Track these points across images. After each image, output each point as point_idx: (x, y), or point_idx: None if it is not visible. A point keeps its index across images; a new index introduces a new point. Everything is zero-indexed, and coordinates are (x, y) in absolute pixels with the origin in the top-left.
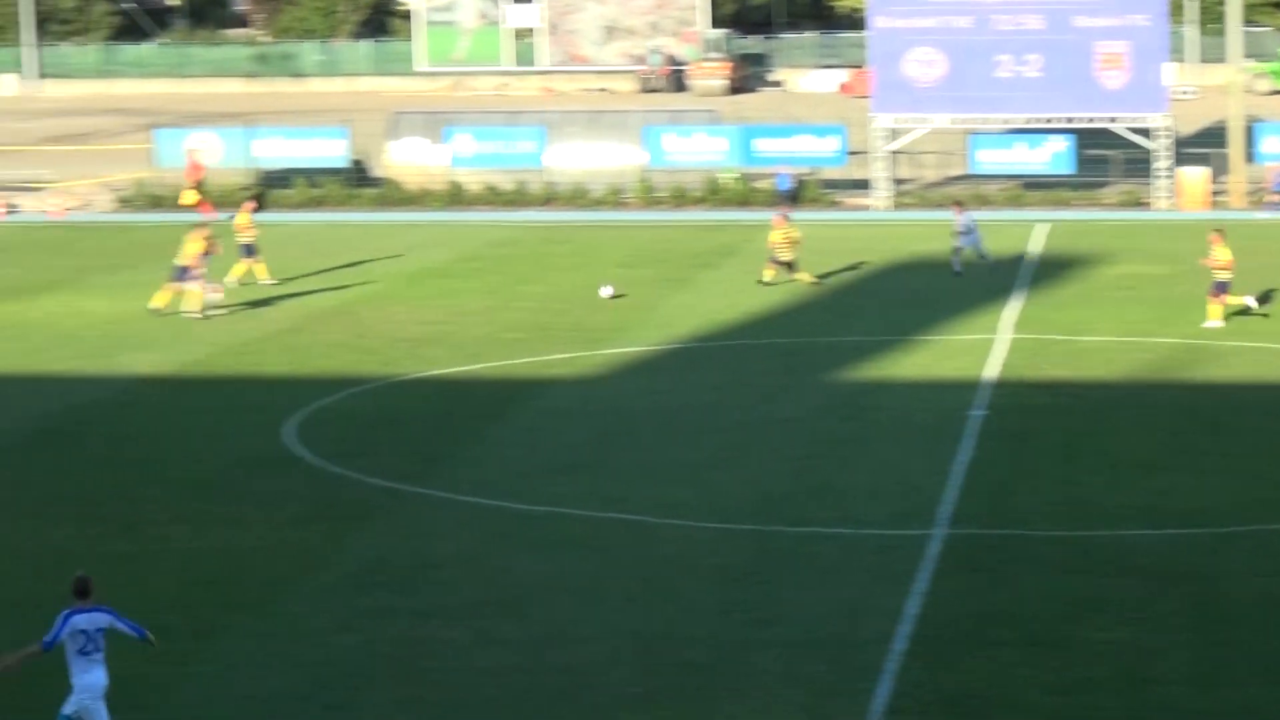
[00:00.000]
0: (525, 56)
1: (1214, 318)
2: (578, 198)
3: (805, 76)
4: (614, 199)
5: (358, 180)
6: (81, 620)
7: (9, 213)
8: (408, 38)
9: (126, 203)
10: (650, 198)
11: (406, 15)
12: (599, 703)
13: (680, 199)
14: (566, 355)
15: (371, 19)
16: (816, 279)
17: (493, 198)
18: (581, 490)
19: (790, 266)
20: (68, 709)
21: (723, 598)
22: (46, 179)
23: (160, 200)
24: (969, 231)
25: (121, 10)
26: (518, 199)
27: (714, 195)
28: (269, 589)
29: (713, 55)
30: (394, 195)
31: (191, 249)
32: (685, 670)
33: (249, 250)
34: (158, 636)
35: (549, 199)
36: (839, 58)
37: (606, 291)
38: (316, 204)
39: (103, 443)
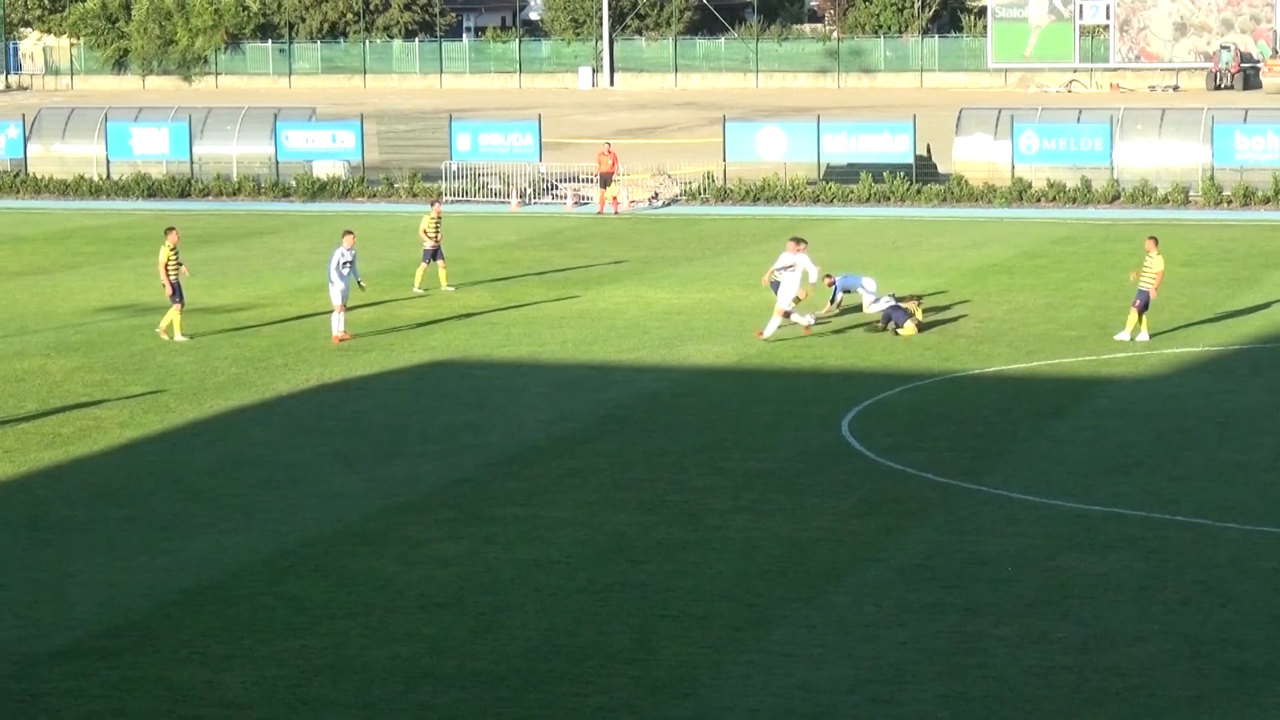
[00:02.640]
0: (1094, 53)
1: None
2: (1143, 195)
3: None
4: (1180, 197)
5: (922, 175)
6: None
7: (579, 204)
8: (978, 34)
9: (694, 195)
10: (1217, 196)
11: (977, 11)
12: (1148, 705)
13: (1248, 198)
14: (1126, 354)
15: (941, 15)
16: None
17: (1057, 194)
18: (1137, 490)
19: None
20: None
21: (1277, 603)
22: (618, 171)
23: (727, 194)
24: None
25: (697, 6)
26: (1082, 196)
27: None
28: (823, 581)
29: None
30: (959, 191)
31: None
32: (1236, 675)
33: (432, 254)
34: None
35: (1114, 196)
36: None
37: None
38: (881, 199)
39: (664, 432)
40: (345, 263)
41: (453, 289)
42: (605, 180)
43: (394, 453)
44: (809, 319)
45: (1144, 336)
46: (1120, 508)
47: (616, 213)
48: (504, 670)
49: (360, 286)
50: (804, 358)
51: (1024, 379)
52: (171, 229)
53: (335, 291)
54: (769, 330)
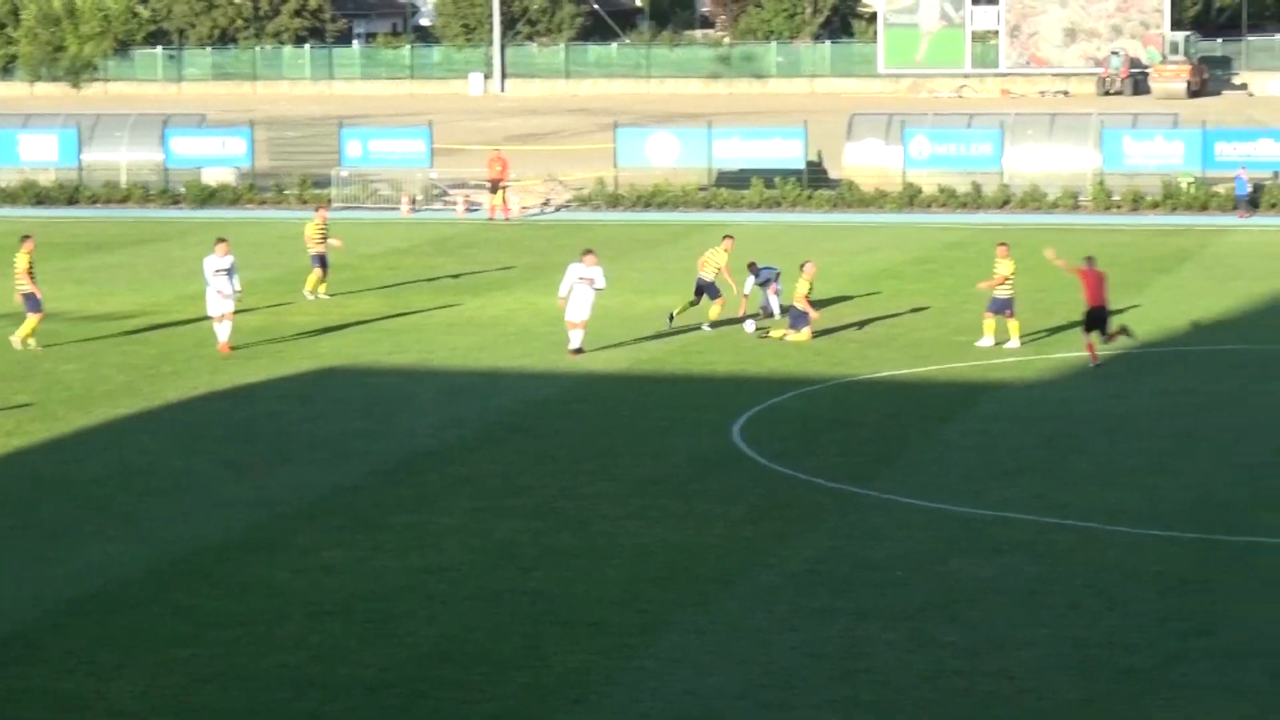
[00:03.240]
0: (985, 58)
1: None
2: (1033, 200)
3: (1273, 79)
4: (1069, 202)
5: (814, 181)
6: None
7: (469, 210)
8: (869, 39)
9: (585, 201)
10: (1106, 201)
11: (869, 17)
12: (1037, 708)
13: (1137, 202)
14: (1015, 359)
15: (833, 20)
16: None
17: (948, 199)
18: (1026, 495)
19: None
20: None
21: (1163, 606)
22: (517, 178)
23: (619, 200)
24: None
25: (588, 11)
26: (973, 201)
27: (1171, 199)
28: (714, 587)
29: (1174, 58)
30: (850, 196)
31: None
32: (1123, 678)
33: (321, 260)
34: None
35: (1005, 201)
36: None
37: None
38: (773, 205)
39: (555, 438)
40: (219, 270)
41: (328, 297)
42: (495, 186)
43: (283, 460)
44: (750, 325)
45: (985, 341)
46: (1009, 512)
47: (507, 219)
48: (393, 678)
49: (236, 292)
50: (695, 364)
51: (914, 384)
52: (28, 237)
53: (212, 302)
54: (575, 342)
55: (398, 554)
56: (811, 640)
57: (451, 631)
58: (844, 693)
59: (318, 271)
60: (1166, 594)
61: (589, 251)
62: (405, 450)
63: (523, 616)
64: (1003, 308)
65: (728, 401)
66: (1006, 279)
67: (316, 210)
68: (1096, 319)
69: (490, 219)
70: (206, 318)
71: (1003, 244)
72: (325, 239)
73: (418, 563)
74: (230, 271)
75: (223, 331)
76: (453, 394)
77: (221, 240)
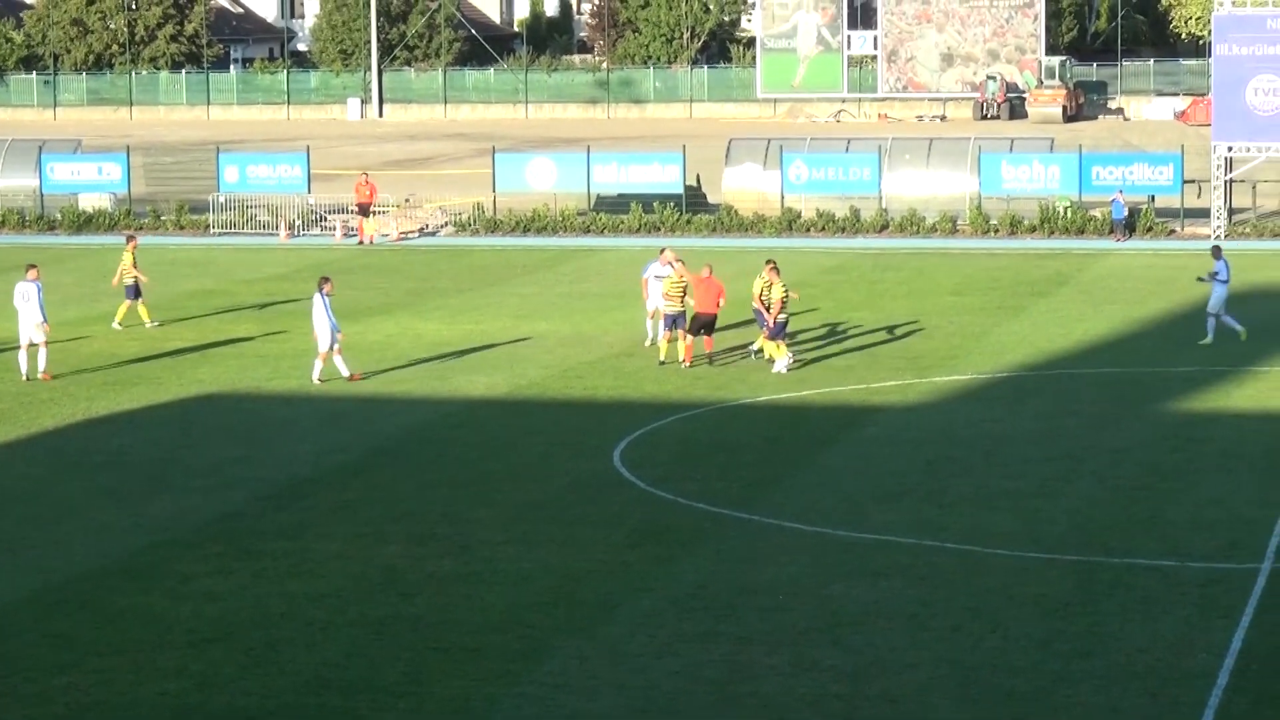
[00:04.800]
0: (863, 83)
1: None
2: (911, 225)
3: (1147, 104)
4: (948, 226)
5: (692, 206)
6: None
7: (348, 235)
8: (747, 65)
9: (463, 227)
10: (984, 225)
11: (746, 42)
12: None
13: (1014, 226)
14: (896, 382)
15: (710, 45)
16: None
17: (826, 224)
18: (907, 518)
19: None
20: None
21: (1044, 628)
22: (385, 203)
23: (498, 224)
24: None
25: (466, 37)
26: (851, 226)
27: (1048, 223)
28: (596, 612)
29: (1050, 83)
30: (729, 221)
31: None
32: (1006, 700)
33: (135, 291)
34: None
35: (883, 226)
36: (1179, 85)
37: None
38: (651, 229)
39: (436, 464)
40: (25, 297)
41: (155, 324)
42: (364, 210)
43: (162, 487)
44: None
45: (778, 366)
46: (891, 535)
47: (383, 241)
48: (274, 705)
49: (43, 323)
50: (575, 389)
51: (795, 408)
52: None
53: (31, 327)
54: (316, 374)
55: (278, 581)
56: (694, 665)
57: (333, 659)
58: (727, 717)
59: (128, 302)
60: (1048, 616)
61: (327, 279)
62: (285, 476)
63: (404, 643)
64: (769, 328)
65: (608, 426)
66: (781, 301)
67: (128, 241)
68: (705, 325)
69: (369, 244)
70: (17, 346)
71: (770, 263)
72: (134, 268)
73: (298, 589)
74: (38, 298)
75: (42, 359)
76: (333, 419)
77: (31, 266)
